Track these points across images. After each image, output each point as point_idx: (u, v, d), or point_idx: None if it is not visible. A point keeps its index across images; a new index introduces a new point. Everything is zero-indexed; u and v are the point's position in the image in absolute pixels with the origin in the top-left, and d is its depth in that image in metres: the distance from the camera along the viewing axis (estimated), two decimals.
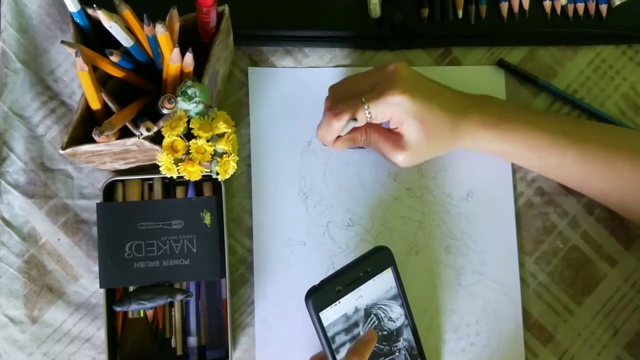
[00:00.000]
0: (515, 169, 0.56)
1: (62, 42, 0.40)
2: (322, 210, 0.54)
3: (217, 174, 0.44)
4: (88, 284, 0.53)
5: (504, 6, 0.56)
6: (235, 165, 0.44)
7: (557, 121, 0.52)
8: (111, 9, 0.41)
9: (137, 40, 0.44)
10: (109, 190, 0.51)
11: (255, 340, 0.52)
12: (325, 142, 0.51)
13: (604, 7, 0.56)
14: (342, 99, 0.49)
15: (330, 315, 0.45)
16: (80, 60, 0.39)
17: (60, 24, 0.55)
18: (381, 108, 0.47)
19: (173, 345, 0.51)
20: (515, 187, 0.56)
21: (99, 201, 0.50)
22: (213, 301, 0.51)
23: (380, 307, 0.47)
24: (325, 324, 0.45)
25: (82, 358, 0.52)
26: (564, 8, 0.57)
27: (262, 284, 0.53)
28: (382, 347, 0.47)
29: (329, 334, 0.45)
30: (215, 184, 0.52)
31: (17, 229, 0.53)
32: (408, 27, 0.56)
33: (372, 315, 0.47)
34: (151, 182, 0.52)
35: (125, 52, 0.44)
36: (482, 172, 0.55)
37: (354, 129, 0.50)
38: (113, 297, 0.51)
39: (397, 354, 0.48)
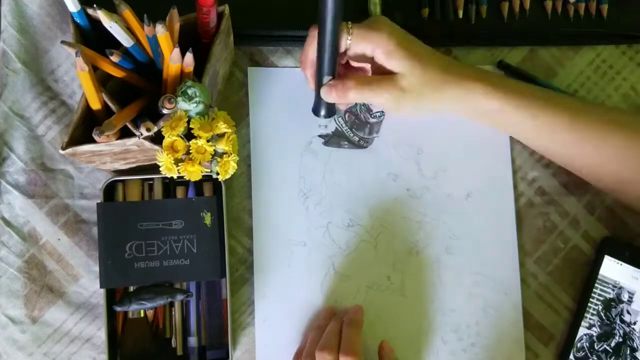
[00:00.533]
0: (515, 169, 0.56)
1: (63, 42, 0.41)
2: (322, 211, 0.54)
3: (217, 174, 0.44)
4: (88, 284, 0.53)
5: (505, 6, 0.56)
6: (235, 165, 0.44)
7: (548, 91, 0.51)
8: (111, 9, 0.41)
9: (137, 40, 0.44)
10: (109, 190, 0.51)
11: (256, 340, 0.52)
12: (306, 73, 0.50)
13: (604, 7, 0.56)
14: None
15: (608, 266, 0.53)
16: (80, 60, 0.39)
17: (61, 24, 0.55)
18: (364, 32, 0.46)
19: (173, 345, 0.51)
20: (515, 187, 0.55)
21: (99, 201, 0.50)
22: (213, 301, 0.51)
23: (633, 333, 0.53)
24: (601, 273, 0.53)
25: (82, 358, 0.52)
26: (564, 8, 0.57)
27: (262, 285, 0.53)
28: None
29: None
30: (216, 184, 0.52)
31: (17, 229, 0.53)
32: (408, 27, 0.55)
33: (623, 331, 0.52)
34: (151, 182, 0.52)
35: (125, 52, 0.44)
36: (482, 172, 0.55)
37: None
38: (113, 297, 0.51)
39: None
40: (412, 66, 0.47)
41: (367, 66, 0.50)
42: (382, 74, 0.48)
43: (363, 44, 0.46)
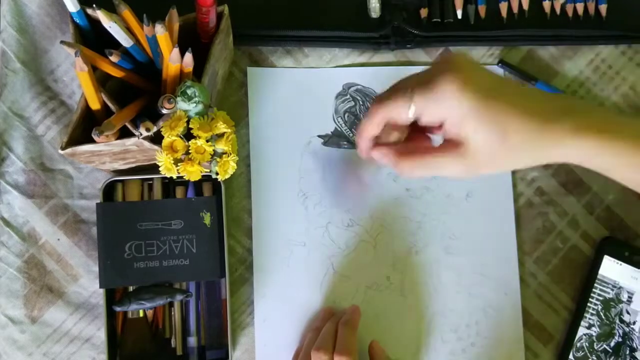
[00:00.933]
0: (514, 169, 0.56)
1: (62, 42, 0.41)
2: (322, 211, 0.54)
3: (217, 174, 0.44)
4: (88, 284, 0.53)
5: (504, 6, 0.56)
6: (234, 165, 0.44)
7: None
8: (111, 9, 0.41)
9: (137, 40, 0.44)
10: (109, 190, 0.51)
11: (255, 341, 0.52)
12: (360, 146, 0.43)
13: (603, 7, 0.56)
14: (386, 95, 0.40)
15: (607, 266, 0.53)
16: (79, 60, 0.39)
17: (60, 24, 0.55)
18: (431, 103, 0.37)
19: (173, 345, 0.51)
20: (515, 187, 0.56)
21: (98, 201, 0.50)
22: (213, 301, 0.51)
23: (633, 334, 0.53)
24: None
25: (82, 358, 0.52)
26: (563, 8, 0.57)
27: (261, 285, 0.53)
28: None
29: None
30: (215, 184, 0.52)
31: (16, 229, 0.53)
32: (408, 27, 0.56)
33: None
34: (151, 182, 0.52)
35: (124, 52, 0.44)
36: None
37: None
38: (113, 297, 0.51)
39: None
40: (488, 134, 0.37)
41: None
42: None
43: (429, 115, 0.38)
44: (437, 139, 0.43)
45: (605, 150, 0.38)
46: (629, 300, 0.52)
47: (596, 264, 0.53)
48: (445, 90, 0.37)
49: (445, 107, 0.37)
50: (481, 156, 0.38)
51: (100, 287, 0.49)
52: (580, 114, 0.39)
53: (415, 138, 0.43)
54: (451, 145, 0.39)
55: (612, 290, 0.53)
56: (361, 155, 0.44)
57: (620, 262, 0.52)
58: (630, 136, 0.38)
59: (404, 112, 0.39)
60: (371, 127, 0.41)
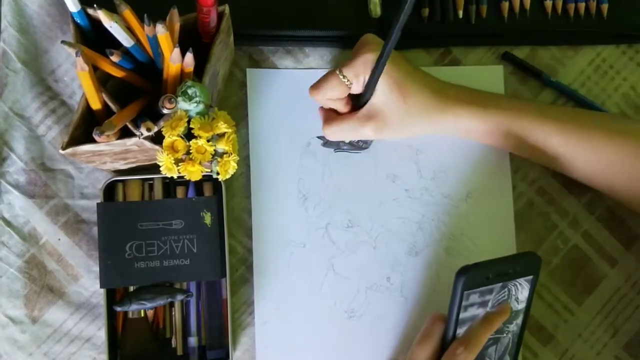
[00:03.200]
0: (515, 169, 0.56)
1: (63, 42, 0.41)
2: (322, 212, 0.54)
3: (218, 173, 0.44)
4: (88, 284, 0.53)
5: (505, 6, 0.56)
6: (235, 165, 0.44)
7: (537, 104, 0.54)
8: (111, 8, 0.41)
9: (138, 40, 0.44)
10: (110, 190, 0.51)
11: (256, 342, 0.52)
12: (326, 129, 0.51)
13: (604, 7, 0.56)
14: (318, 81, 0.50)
15: (472, 296, 0.46)
16: (80, 60, 0.39)
17: (61, 24, 0.55)
18: (353, 70, 0.47)
19: (173, 345, 0.51)
20: (515, 187, 0.55)
21: (99, 201, 0.50)
22: (213, 301, 0.51)
23: (515, 284, 0.48)
24: (464, 302, 0.46)
25: (82, 358, 0.52)
26: (564, 8, 0.57)
27: (261, 286, 0.53)
28: None
29: (463, 304, 0.45)
30: (216, 183, 0.52)
31: (17, 229, 0.53)
32: (408, 26, 0.55)
33: (506, 289, 0.47)
34: (151, 182, 0.52)
35: (125, 52, 0.43)
36: (481, 173, 0.55)
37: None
38: (113, 297, 0.51)
39: (504, 334, 0.49)
40: (392, 97, 0.47)
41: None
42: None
43: (356, 80, 0.47)
44: None
45: (485, 116, 0.49)
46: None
47: (456, 302, 0.45)
48: (362, 57, 0.46)
49: (362, 70, 0.47)
50: (386, 116, 0.48)
51: (101, 287, 0.49)
52: (463, 89, 0.50)
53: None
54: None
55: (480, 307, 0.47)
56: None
57: (484, 287, 0.46)
58: (510, 105, 0.50)
59: (341, 87, 0.48)
60: (328, 107, 0.51)
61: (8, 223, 0.53)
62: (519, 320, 0.49)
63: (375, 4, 0.55)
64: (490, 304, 0.47)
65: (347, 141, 0.54)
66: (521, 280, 0.48)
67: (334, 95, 0.49)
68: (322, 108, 0.53)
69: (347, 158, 0.55)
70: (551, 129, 0.49)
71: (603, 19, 0.57)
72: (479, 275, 0.45)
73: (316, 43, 0.56)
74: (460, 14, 0.56)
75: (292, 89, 0.55)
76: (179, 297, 0.50)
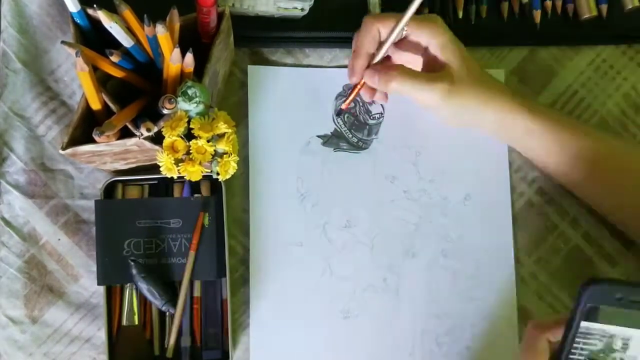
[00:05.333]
0: (515, 169, 0.56)
1: (63, 42, 0.41)
2: (320, 211, 0.54)
3: (218, 174, 0.44)
4: (88, 284, 0.53)
5: (505, 6, 0.56)
6: (235, 165, 0.44)
7: (576, 121, 0.55)
8: (111, 9, 0.41)
9: (138, 41, 0.44)
10: (109, 191, 0.51)
11: (250, 340, 0.52)
12: (355, 66, 0.49)
13: (604, 7, 0.56)
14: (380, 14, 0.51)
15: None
16: (80, 60, 0.39)
17: (61, 24, 0.55)
18: (419, 23, 0.47)
19: (166, 346, 0.50)
20: (515, 187, 0.55)
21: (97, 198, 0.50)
22: (212, 301, 0.51)
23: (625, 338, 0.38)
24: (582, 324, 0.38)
25: (82, 358, 0.52)
26: (564, 8, 0.57)
27: (258, 285, 0.53)
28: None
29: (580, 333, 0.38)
30: (214, 183, 0.52)
31: (17, 229, 0.53)
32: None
33: (610, 338, 0.38)
34: (152, 182, 0.52)
35: (125, 52, 0.44)
36: (479, 175, 0.55)
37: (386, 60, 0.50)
38: (112, 296, 0.51)
39: None
40: (462, 63, 0.48)
41: (416, 59, 0.51)
42: (430, 65, 0.49)
43: (418, 32, 0.48)
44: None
45: (531, 117, 0.49)
46: (624, 348, 0.39)
47: (577, 314, 0.38)
48: (434, 19, 0.48)
49: (433, 33, 0.48)
50: (456, 80, 0.48)
51: (99, 284, 0.49)
52: (509, 89, 0.51)
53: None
54: (435, 67, 0.49)
55: (601, 341, 0.39)
56: (353, 78, 0.50)
57: (610, 307, 0.38)
58: (546, 112, 0.50)
59: (398, 29, 0.47)
60: (367, 41, 0.48)
61: (8, 223, 0.53)
62: None
63: (375, 5, 0.55)
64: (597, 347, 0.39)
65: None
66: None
67: (384, 29, 0.48)
68: (369, 54, 0.49)
69: (346, 158, 0.55)
70: (586, 146, 0.49)
71: (603, 19, 0.57)
72: (609, 290, 0.38)
73: (316, 44, 0.56)
74: (460, 14, 0.56)
75: (293, 87, 0.55)
76: (158, 304, 0.49)
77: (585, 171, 0.50)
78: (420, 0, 0.45)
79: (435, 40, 0.48)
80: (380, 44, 0.49)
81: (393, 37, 0.48)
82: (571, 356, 0.39)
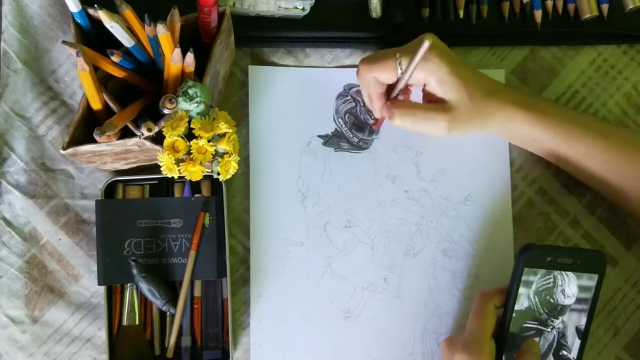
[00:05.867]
0: (516, 169, 0.56)
1: (64, 42, 0.41)
2: (320, 211, 0.54)
3: (218, 174, 0.44)
4: (89, 284, 0.53)
5: (505, 6, 0.56)
6: (236, 165, 0.44)
7: (584, 115, 0.55)
8: (112, 9, 0.41)
9: (138, 41, 0.44)
10: (110, 191, 0.51)
11: (251, 340, 0.52)
12: (372, 105, 0.51)
13: (605, 7, 0.56)
14: (375, 57, 0.49)
15: (529, 275, 0.47)
16: (81, 60, 0.39)
17: (62, 24, 0.55)
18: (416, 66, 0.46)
19: (167, 345, 0.50)
20: (516, 187, 0.55)
21: (98, 198, 0.50)
22: (213, 301, 0.51)
23: (562, 274, 0.47)
24: (522, 278, 0.47)
25: (82, 358, 0.52)
26: (565, 8, 0.57)
27: (258, 284, 0.53)
28: (542, 312, 0.48)
29: (522, 280, 0.47)
30: (215, 183, 0.52)
31: (18, 229, 0.53)
32: (409, 27, 0.55)
33: (552, 276, 0.47)
34: (152, 182, 0.52)
35: (126, 52, 0.44)
36: (480, 175, 0.55)
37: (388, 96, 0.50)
38: (113, 296, 0.51)
39: (549, 329, 0.48)
40: (461, 95, 0.48)
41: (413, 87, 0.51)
42: (431, 98, 0.49)
43: (414, 75, 0.47)
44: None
45: (531, 123, 0.49)
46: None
47: (516, 276, 0.47)
48: (429, 59, 0.46)
49: (429, 71, 0.47)
50: (459, 111, 0.48)
51: (99, 284, 0.49)
52: (511, 92, 0.50)
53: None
54: (436, 102, 0.49)
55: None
56: (377, 114, 0.51)
57: (542, 271, 0.47)
58: (554, 113, 0.50)
59: (392, 72, 0.47)
60: (369, 89, 0.49)
61: (9, 223, 0.53)
62: (567, 317, 0.48)
63: (375, 5, 0.55)
64: (534, 287, 0.47)
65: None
66: (570, 274, 0.47)
67: (381, 77, 0.48)
68: (381, 94, 0.50)
69: (347, 158, 0.55)
70: (596, 141, 0.49)
71: (604, 19, 0.57)
72: (540, 255, 0.47)
73: (317, 44, 0.56)
74: (461, 14, 0.56)
75: (294, 87, 0.55)
76: (159, 304, 0.49)
77: (597, 165, 0.50)
78: (425, 49, 0.43)
79: (431, 77, 0.47)
80: (389, 87, 0.50)
81: (398, 89, 0.48)
82: (513, 321, 0.47)
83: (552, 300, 0.48)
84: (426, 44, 0.43)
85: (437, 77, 0.47)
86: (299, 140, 0.55)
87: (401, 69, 0.47)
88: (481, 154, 0.55)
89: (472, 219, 0.55)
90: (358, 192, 0.55)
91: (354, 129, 0.55)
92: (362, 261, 0.54)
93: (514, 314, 0.47)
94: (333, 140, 0.55)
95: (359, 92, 0.56)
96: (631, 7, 0.56)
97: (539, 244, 0.48)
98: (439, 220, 0.55)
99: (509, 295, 0.47)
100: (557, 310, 0.48)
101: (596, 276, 0.48)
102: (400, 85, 0.48)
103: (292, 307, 0.53)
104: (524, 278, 0.47)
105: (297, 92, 0.55)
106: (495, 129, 0.50)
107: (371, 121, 0.55)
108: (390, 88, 0.50)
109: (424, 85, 0.49)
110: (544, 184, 0.56)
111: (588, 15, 0.56)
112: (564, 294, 0.48)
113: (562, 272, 0.47)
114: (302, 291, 0.53)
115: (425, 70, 0.47)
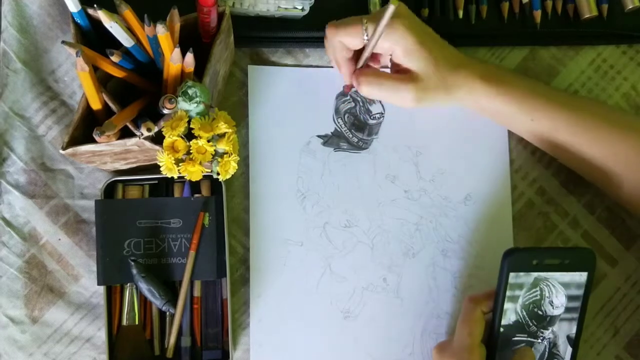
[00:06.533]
0: (515, 169, 0.56)
1: (63, 42, 0.41)
2: (320, 211, 0.54)
3: (218, 174, 0.44)
4: (89, 284, 0.53)
5: (505, 6, 0.56)
6: (235, 165, 0.44)
7: (550, 88, 0.54)
8: (112, 9, 0.41)
9: (138, 41, 0.44)
10: (110, 191, 0.51)
11: (250, 340, 0.52)
12: (339, 70, 0.51)
13: (604, 7, 0.56)
14: (341, 22, 0.48)
15: (515, 279, 0.46)
16: (80, 60, 0.39)
17: (61, 24, 0.55)
18: (382, 36, 0.46)
19: (166, 346, 0.50)
20: (515, 187, 0.56)
21: (97, 198, 0.50)
22: (213, 301, 0.51)
23: (549, 285, 0.46)
24: (509, 286, 0.46)
25: (82, 358, 0.52)
26: (564, 8, 0.57)
27: (258, 284, 0.53)
28: (531, 324, 0.47)
29: (509, 284, 0.46)
30: (214, 183, 0.52)
31: (17, 229, 0.53)
32: None
33: (538, 288, 0.46)
34: (152, 182, 0.52)
35: (125, 52, 0.44)
36: (480, 175, 0.55)
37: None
38: (112, 296, 0.51)
39: (539, 340, 0.47)
40: (427, 65, 0.48)
41: (384, 57, 0.51)
42: (399, 68, 0.49)
43: (380, 42, 0.46)
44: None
45: (495, 96, 0.49)
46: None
47: (502, 282, 0.46)
48: (396, 28, 0.46)
49: (394, 41, 0.47)
50: (425, 82, 0.48)
51: (99, 284, 0.49)
52: (477, 64, 0.50)
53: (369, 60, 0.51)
54: (403, 72, 0.49)
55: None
56: (346, 79, 0.51)
57: (529, 274, 0.46)
58: (521, 87, 0.50)
59: (358, 38, 0.47)
60: (336, 54, 0.49)
61: (8, 223, 0.53)
62: (557, 327, 0.47)
63: (375, 4, 0.55)
64: (520, 300, 0.46)
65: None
66: (557, 285, 0.46)
67: (346, 41, 0.48)
68: (349, 60, 0.50)
69: (346, 158, 0.55)
70: (560, 116, 0.49)
71: (603, 19, 0.57)
72: (525, 258, 0.46)
73: (316, 44, 0.56)
74: (460, 14, 0.56)
75: (293, 87, 0.55)
76: (158, 304, 0.49)
77: (565, 139, 0.50)
78: (390, 14, 0.43)
79: (398, 47, 0.47)
80: (356, 53, 0.49)
81: (365, 57, 0.48)
82: (503, 322, 0.47)
83: (540, 313, 0.47)
84: (391, 8, 0.42)
85: (403, 47, 0.47)
86: (299, 140, 0.55)
87: (367, 35, 0.46)
88: (481, 154, 0.55)
89: (472, 219, 0.55)
90: (357, 192, 0.55)
91: (354, 129, 0.55)
92: (361, 261, 0.54)
93: (501, 329, 0.47)
94: (332, 140, 0.55)
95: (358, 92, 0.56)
96: (630, 7, 0.56)
97: (522, 247, 0.47)
98: (439, 220, 0.55)
99: (497, 301, 0.47)
100: (547, 321, 0.47)
101: (586, 274, 0.46)
102: (367, 53, 0.48)
103: (292, 307, 0.53)
104: (509, 294, 0.46)
105: (297, 92, 0.55)
106: (461, 100, 0.51)
107: (371, 121, 0.55)
108: (358, 54, 0.49)
109: (391, 55, 0.49)
110: (543, 184, 0.56)
111: (587, 16, 0.56)
112: (552, 305, 0.47)
113: (549, 283, 0.46)
114: (301, 291, 0.53)
115: (391, 39, 0.46)
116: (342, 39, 0.48)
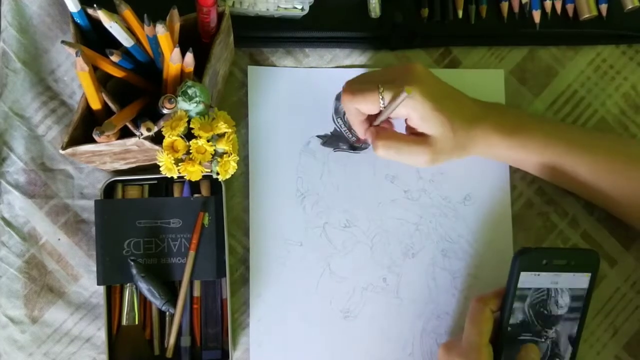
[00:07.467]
0: (515, 169, 0.56)
1: (63, 42, 0.41)
2: (319, 211, 0.54)
3: (218, 174, 0.44)
4: (88, 284, 0.53)
5: (504, 6, 0.56)
6: (235, 165, 0.44)
7: (569, 130, 0.54)
8: (111, 9, 0.41)
9: (138, 40, 0.44)
10: (109, 190, 0.51)
11: (250, 340, 0.52)
12: (354, 128, 0.51)
13: (604, 7, 0.56)
14: (358, 88, 0.48)
15: (525, 278, 0.47)
16: (80, 60, 0.39)
17: (61, 24, 0.55)
18: (395, 102, 0.46)
19: (166, 346, 0.50)
20: (515, 187, 0.56)
21: (97, 198, 0.50)
22: (212, 301, 0.51)
23: (556, 287, 0.48)
24: (519, 285, 0.47)
25: (82, 358, 0.52)
26: (564, 8, 0.57)
27: (257, 284, 0.53)
28: (536, 324, 0.48)
29: (518, 285, 0.47)
30: (214, 183, 0.52)
31: (17, 229, 0.53)
32: (408, 27, 0.56)
33: (545, 288, 0.48)
34: (152, 182, 0.52)
35: (125, 52, 0.44)
36: (480, 176, 0.55)
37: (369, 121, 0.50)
38: (112, 296, 0.51)
39: (542, 339, 0.48)
40: (444, 131, 0.48)
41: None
42: (413, 131, 0.49)
43: (393, 113, 0.47)
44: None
45: (514, 148, 0.50)
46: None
47: (512, 281, 0.47)
48: (412, 96, 0.45)
49: (411, 108, 0.47)
50: (441, 146, 0.48)
51: (98, 284, 0.49)
52: (494, 118, 0.50)
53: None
54: (419, 136, 0.49)
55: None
56: (360, 136, 0.52)
57: (538, 274, 0.48)
58: (539, 134, 0.50)
59: (375, 106, 0.47)
60: (353, 119, 0.50)
61: (8, 223, 0.53)
62: (560, 327, 0.48)
63: (374, 5, 0.55)
64: (528, 300, 0.47)
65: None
66: (564, 286, 0.48)
67: (363, 109, 0.48)
68: (371, 125, 0.50)
69: (346, 158, 0.55)
70: (582, 160, 0.50)
71: (602, 19, 0.57)
72: (536, 258, 0.47)
73: (316, 44, 0.56)
74: (460, 14, 0.56)
75: (293, 87, 0.55)
76: (158, 304, 0.49)
77: (585, 178, 0.50)
78: (403, 99, 0.44)
79: (414, 114, 0.47)
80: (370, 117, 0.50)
81: (380, 121, 0.49)
82: (511, 322, 0.47)
83: (545, 312, 0.48)
84: (403, 95, 0.43)
85: (420, 114, 0.47)
86: (298, 140, 0.55)
87: (383, 102, 0.46)
88: None
89: (472, 219, 0.55)
90: (357, 192, 0.55)
91: (353, 129, 0.55)
92: (361, 261, 0.54)
93: (509, 328, 0.47)
94: (332, 140, 0.55)
95: None
96: (630, 7, 0.56)
97: (534, 247, 0.48)
98: (438, 220, 0.55)
99: (506, 300, 0.47)
100: (551, 321, 0.48)
101: (589, 275, 0.48)
102: (383, 117, 0.48)
103: (292, 307, 0.53)
104: (518, 293, 0.47)
105: (296, 92, 0.55)
106: (478, 154, 0.51)
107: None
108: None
109: (406, 119, 0.49)
110: (543, 184, 0.56)
111: (587, 16, 0.56)
112: (557, 305, 0.48)
113: (556, 285, 0.48)
114: (301, 291, 0.53)
115: (407, 106, 0.46)
116: (359, 107, 0.48)
